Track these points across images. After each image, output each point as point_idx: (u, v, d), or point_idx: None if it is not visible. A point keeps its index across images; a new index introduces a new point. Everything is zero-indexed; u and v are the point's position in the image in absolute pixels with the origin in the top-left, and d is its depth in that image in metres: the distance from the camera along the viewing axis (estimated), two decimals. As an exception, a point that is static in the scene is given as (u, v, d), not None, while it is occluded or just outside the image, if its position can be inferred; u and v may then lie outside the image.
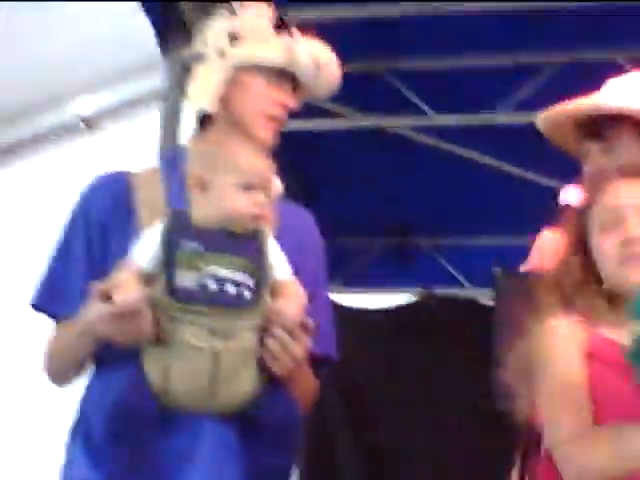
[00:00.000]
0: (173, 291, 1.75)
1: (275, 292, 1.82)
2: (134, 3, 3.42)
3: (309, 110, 3.99)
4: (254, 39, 2.05)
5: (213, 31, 2.10)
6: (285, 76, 2.05)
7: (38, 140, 5.44)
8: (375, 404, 4.76)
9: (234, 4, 2.09)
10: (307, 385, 2.00)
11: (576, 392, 1.72)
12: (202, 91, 2.06)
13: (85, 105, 5.33)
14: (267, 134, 2.02)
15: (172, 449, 1.78)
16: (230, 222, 1.82)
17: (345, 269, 5.03)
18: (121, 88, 5.28)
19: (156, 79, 4.37)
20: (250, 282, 1.78)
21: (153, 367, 1.76)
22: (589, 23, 3.60)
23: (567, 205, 2.05)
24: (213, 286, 1.75)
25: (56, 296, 1.98)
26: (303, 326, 1.81)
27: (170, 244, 1.78)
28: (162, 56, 3.58)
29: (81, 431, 1.90)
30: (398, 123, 3.92)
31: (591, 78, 3.68)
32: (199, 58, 2.10)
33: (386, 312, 4.83)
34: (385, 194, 4.28)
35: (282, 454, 1.90)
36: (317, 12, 3.55)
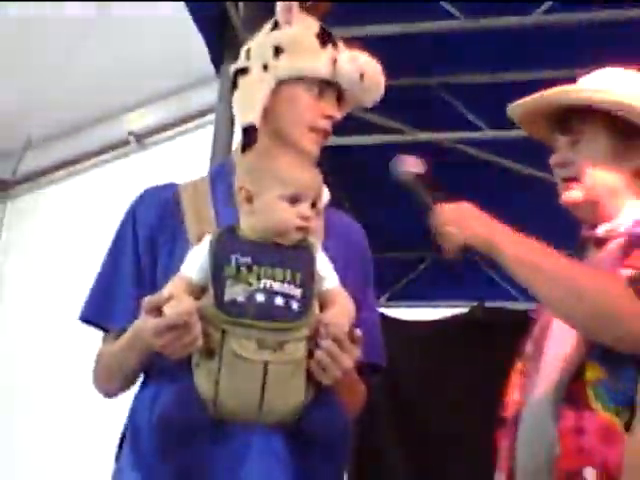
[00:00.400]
0: (222, 304, 1.76)
1: (323, 302, 1.83)
2: (187, 20, 3.44)
3: (359, 126, 4.03)
4: (298, 51, 2.05)
5: (257, 44, 2.10)
6: (330, 87, 2.05)
7: (90, 156, 5.50)
8: (423, 413, 4.75)
9: (279, 18, 2.09)
10: (356, 393, 2.00)
11: None
12: (246, 104, 2.06)
13: (136, 122, 5.38)
14: (313, 147, 2.02)
15: (221, 461, 1.78)
16: (276, 234, 1.83)
17: (396, 283, 5.02)
18: (173, 104, 5.32)
19: (208, 95, 4.40)
20: (298, 293, 1.79)
21: (203, 380, 1.77)
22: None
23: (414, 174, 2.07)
24: (262, 299, 1.76)
25: (105, 309, 1.99)
26: (351, 336, 1.81)
27: (218, 258, 1.79)
28: (215, 72, 3.59)
29: (130, 442, 1.91)
30: (452, 137, 3.93)
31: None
32: (244, 72, 2.09)
33: (435, 323, 4.82)
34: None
35: (331, 466, 1.89)
36: (365, 31, 3.55)
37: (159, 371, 1.88)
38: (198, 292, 1.80)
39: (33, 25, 4.59)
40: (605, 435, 1.90)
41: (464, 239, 1.96)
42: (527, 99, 2.21)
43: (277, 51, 2.05)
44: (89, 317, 2.01)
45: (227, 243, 1.82)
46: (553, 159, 2.16)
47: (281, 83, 2.03)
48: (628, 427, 1.91)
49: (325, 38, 2.08)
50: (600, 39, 3.60)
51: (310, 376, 1.80)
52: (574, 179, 2.12)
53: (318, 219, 1.94)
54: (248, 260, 1.79)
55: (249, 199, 1.86)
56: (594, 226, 2.13)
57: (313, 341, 1.79)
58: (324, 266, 1.86)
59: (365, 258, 2.09)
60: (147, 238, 1.98)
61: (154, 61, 4.84)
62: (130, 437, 1.91)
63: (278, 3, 2.11)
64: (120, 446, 1.95)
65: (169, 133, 5.41)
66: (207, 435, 1.77)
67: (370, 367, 2.02)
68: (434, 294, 4.98)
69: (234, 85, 2.10)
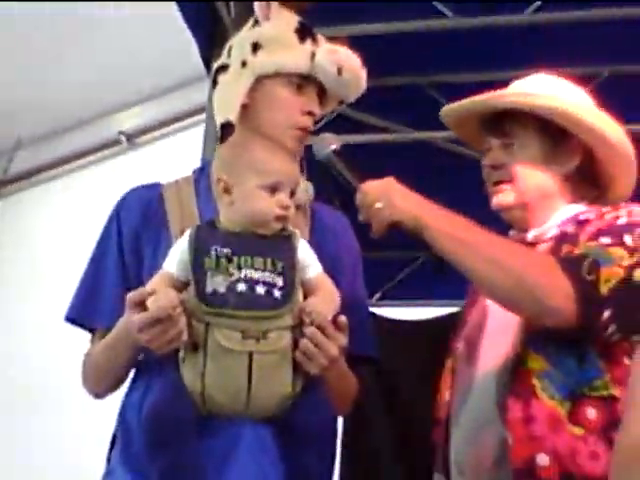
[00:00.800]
0: (204, 296, 1.76)
1: (307, 291, 1.83)
2: (178, 20, 3.44)
3: (354, 124, 4.04)
4: (276, 47, 2.05)
5: (238, 42, 2.10)
6: (310, 82, 2.05)
7: (80, 156, 5.49)
8: (418, 412, 4.75)
9: (258, 15, 2.09)
10: (347, 385, 1.99)
11: None
12: (224, 101, 2.06)
13: (127, 121, 5.38)
14: (293, 143, 2.02)
15: (210, 454, 1.78)
16: (256, 224, 1.83)
17: (387, 283, 5.03)
18: (163, 104, 5.32)
19: (198, 95, 4.40)
20: (280, 282, 1.78)
21: (189, 373, 1.77)
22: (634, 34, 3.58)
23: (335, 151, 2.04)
24: (243, 288, 1.76)
25: (90, 309, 2.00)
26: (337, 324, 1.81)
27: (198, 250, 1.80)
28: (206, 72, 3.59)
29: (120, 442, 1.91)
30: (442, 136, 3.91)
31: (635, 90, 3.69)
32: (223, 69, 2.09)
33: (427, 322, 4.83)
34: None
35: (320, 460, 1.87)
36: (355, 29, 3.55)
37: (147, 370, 1.88)
38: (181, 287, 1.80)
39: (23, 24, 4.58)
40: (552, 423, 1.93)
41: (391, 216, 1.94)
42: (461, 102, 2.23)
43: (255, 47, 2.05)
44: (74, 317, 2.01)
45: (206, 236, 1.82)
46: (485, 161, 2.17)
47: (260, 79, 2.03)
48: (571, 417, 1.93)
49: (304, 33, 2.07)
50: (590, 38, 3.62)
51: (297, 367, 1.79)
52: (506, 182, 2.13)
53: (299, 211, 1.95)
54: (228, 251, 1.79)
55: (227, 190, 1.86)
56: (523, 230, 2.15)
57: (298, 330, 1.79)
58: (306, 254, 1.86)
59: (353, 251, 2.08)
60: (131, 237, 1.98)
61: (145, 60, 4.84)
62: (121, 437, 1.91)
63: (231, 5, 2.11)
64: (111, 447, 1.95)
65: (160, 132, 5.41)
66: (196, 431, 1.77)
67: (361, 359, 2.01)
68: (426, 293, 4.98)
69: (214, 83, 2.11)
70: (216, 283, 1.77)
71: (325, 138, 2.05)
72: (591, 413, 1.94)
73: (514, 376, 1.97)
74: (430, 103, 3.85)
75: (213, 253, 1.79)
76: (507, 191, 2.14)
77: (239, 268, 1.77)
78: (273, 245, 1.82)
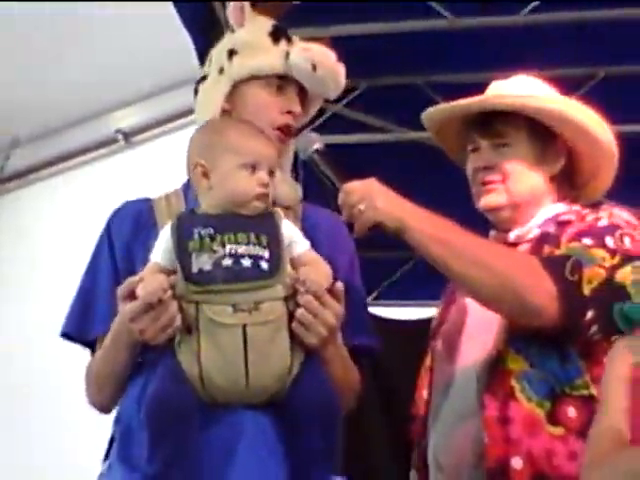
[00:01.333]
0: (191, 277, 1.76)
1: (297, 267, 1.82)
2: (176, 19, 3.44)
3: (350, 124, 4.04)
4: (250, 51, 2.07)
5: (216, 50, 2.13)
6: (288, 82, 2.06)
7: (77, 154, 5.49)
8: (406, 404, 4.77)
9: (232, 22, 2.11)
10: (348, 372, 1.96)
11: None
12: (204, 108, 2.08)
13: (124, 119, 5.38)
14: (276, 142, 2.02)
15: (211, 444, 1.77)
16: (237, 204, 1.83)
17: (383, 282, 5.03)
18: (160, 103, 5.32)
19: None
20: (266, 254, 1.78)
21: (186, 356, 1.76)
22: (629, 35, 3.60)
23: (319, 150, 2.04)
24: (229, 263, 1.76)
25: (85, 323, 2.00)
26: (333, 292, 1.80)
27: (181, 235, 1.79)
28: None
29: (119, 436, 1.90)
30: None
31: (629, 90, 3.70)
32: (203, 79, 2.12)
33: (423, 322, 4.83)
34: (422, 206, 4.30)
35: (323, 444, 1.80)
36: (352, 29, 3.56)
37: (145, 367, 1.87)
38: (168, 275, 1.79)
39: (20, 23, 4.58)
40: (529, 426, 1.95)
41: (373, 217, 1.94)
42: (447, 105, 2.25)
43: (231, 54, 2.08)
44: (69, 332, 2.01)
45: (188, 221, 1.82)
46: (476, 162, 2.18)
47: (238, 85, 2.05)
48: (550, 418, 1.94)
49: (278, 35, 2.09)
50: (586, 39, 3.63)
51: (295, 340, 1.78)
52: (497, 182, 2.15)
53: (289, 212, 1.95)
54: (210, 230, 1.79)
55: (206, 174, 1.86)
56: (506, 230, 2.17)
57: (292, 301, 1.78)
58: (292, 231, 1.85)
59: (348, 249, 2.07)
60: (123, 250, 1.99)
61: (142, 59, 4.84)
62: (119, 435, 1.90)
63: (229, 6, 2.13)
64: (109, 447, 1.95)
65: (157, 131, 5.41)
66: (196, 417, 1.75)
67: (363, 350, 2.00)
68: (421, 293, 4.98)
69: (196, 93, 2.13)
70: (201, 262, 1.76)
71: (308, 137, 2.06)
72: (571, 412, 1.96)
73: (493, 375, 1.99)
74: (427, 103, 3.87)
75: (196, 235, 1.78)
76: (499, 191, 2.15)
77: (223, 245, 1.77)
78: (256, 222, 1.82)
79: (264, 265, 1.77)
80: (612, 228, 2.02)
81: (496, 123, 2.16)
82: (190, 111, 5.15)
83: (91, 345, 2.00)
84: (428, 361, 2.22)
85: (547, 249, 2.03)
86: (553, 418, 1.96)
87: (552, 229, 2.09)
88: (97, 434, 2.18)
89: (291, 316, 1.78)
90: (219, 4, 3.47)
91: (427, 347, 2.28)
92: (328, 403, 1.80)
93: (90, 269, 2.04)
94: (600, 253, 1.97)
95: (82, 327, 2.00)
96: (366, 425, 4.77)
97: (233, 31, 2.13)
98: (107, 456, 1.95)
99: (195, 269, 1.76)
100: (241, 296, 1.75)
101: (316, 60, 2.05)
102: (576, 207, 2.17)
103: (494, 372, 1.99)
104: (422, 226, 1.95)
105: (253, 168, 1.84)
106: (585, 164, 2.20)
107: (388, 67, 3.88)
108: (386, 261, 4.86)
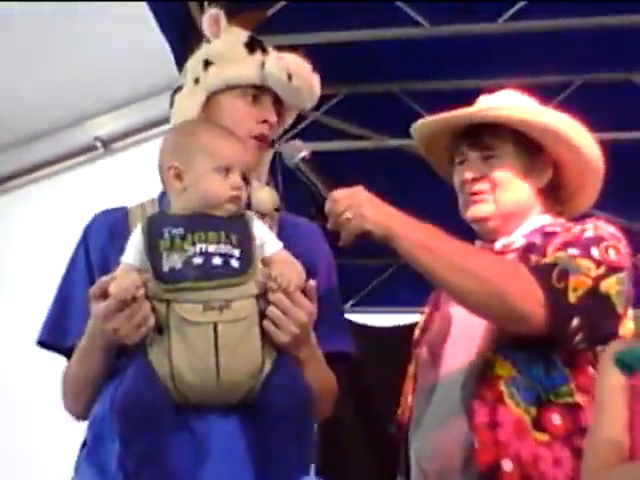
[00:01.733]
0: (161, 276, 1.76)
1: (269, 262, 1.82)
2: (154, 26, 3.44)
3: (329, 132, 4.05)
4: (225, 61, 2.08)
5: (192, 61, 2.14)
6: (264, 92, 2.07)
7: (56, 162, 5.48)
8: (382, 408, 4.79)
9: (207, 33, 2.12)
10: (323, 377, 1.95)
11: None
12: (180, 118, 2.08)
13: (103, 127, 5.37)
14: (252, 153, 2.03)
15: (183, 444, 1.76)
16: (210, 206, 1.83)
17: (362, 289, 5.04)
18: (140, 110, 5.31)
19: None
20: (236, 252, 1.78)
21: (157, 355, 1.76)
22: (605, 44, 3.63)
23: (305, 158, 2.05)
24: (199, 261, 1.76)
25: (61, 331, 1.99)
26: (305, 291, 1.80)
27: (152, 235, 1.79)
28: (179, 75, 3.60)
29: (89, 443, 1.89)
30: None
31: (604, 99, 3.72)
32: (179, 89, 2.13)
33: (402, 328, 4.85)
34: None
35: (296, 443, 1.79)
36: (330, 37, 3.57)
37: (118, 370, 1.86)
38: (139, 270, 1.78)
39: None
40: (518, 430, 1.96)
41: (360, 225, 1.95)
42: (436, 118, 2.25)
43: (206, 64, 2.09)
44: (45, 340, 2.01)
45: (158, 221, 1.83)
46: (465, 173, 2.19)
47: (214, 95, 2.07)
48: (535, 424, 1.96)
49: (253, 45, 2.11)
50: (562, 48, 3.65)
51: (266, 338, 1.78)
52: (486, 193, 2.17)
53: (266, 219, 1.96)
54: (181, 230, 1.79)
55: (179, 176, 1.86)
56: (491, 241, 2.19)
57: (263, 300, 1.78)
58: (263, 232, 1.85)
59: (324, 255, 2.08)
60: (99, 258, 1.98)
61: (121, 66, 4.83)
62: (89, 440, 1.90)
63: (204, 17, 2.14)
64: (80, 455, 1.94)
65: (136, 138, 5.40)
66: (168, 421, 1.75)
67: (338, 356, 2.00)
68: (400, 300, 5.00)
69: (172, 104, 2.14)
70: (172, 261, 1.76)
71: (295, 145, 2.06)
72: (556, 419, 1.98)
73: (481, 381, 2.00)
74: (404, 110, 3.89)
75: (166, 235, 1.78)
76: (487, 201, 2.17)
77: (193, 244, 1.77)
78: (227, 222, 1.82)
79: (235, 263, 1.77)
80: (597, 240, 2.04)
81: (484, 135, 2.18)
82: (169, 119, 5.17)
83: (67, 353, 2.00)
84: (412, 369, 2.23)
85: (534, 258, 2.05)
86: (538, 424, 1.97)
87: (538, 240, 2.10)
88: (68, 439, 2.17)
89: (262, 314, 1.78)
90: (195, 4, 3.47)
91: (407, 354, 2.29)
92: (300, 401, 1.79)
93: (66, 278, 2.04)
94: (586, 263, 1.99)
95: (58, 335, 1.99)
96: (344, 429, 4.78)
97: (209, 41, 2.14)
98: (78, 463, 1.94)
99: (166, 268, 1.76)
100: (212, 294, 1.75)
101: (291, 70, 2.06)
102: (561, 220, 2.20)
103: (483, 378, 2.00)
104: (409, 234, 1.96)
105: (226, 171, 1.85)
106: (571, 178, 2.22)
107: (367, 75, 3.90)
108: (366, 268, 4.88)
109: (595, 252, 2.01)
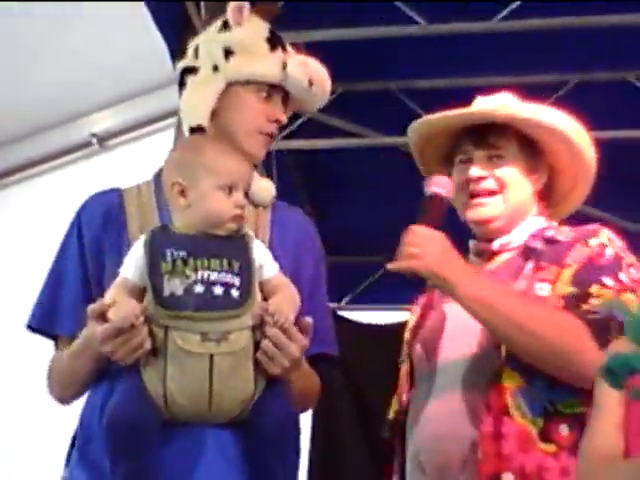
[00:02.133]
0: (161, 300, 1.76)
1: (266, 291, 1.83)
2: (150, 24, 3.44)
3: (318, 128, 4.05)
4: (248, 54, 2.07)
5: (206, 43, 2.11)
6: (277, 91, 2.07)
7: (52, 158, 5.47)
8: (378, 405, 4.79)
9: (230, 19, 2.10)
10: (308, 384, 1.99)
11: None
12: (195, 105, 2.07)
13: (99, 123, 5.36)
14: (259, 149, 2.05)
15: (171, 460, 1.78)
16: (213, 225, 1.84)
17: (357, 286, 5.04)
18: (136, 107, 5.31)
19: (171, 99, 4.39)
20: (237, 282, 1.79)
21: (151, 379, 1.77)
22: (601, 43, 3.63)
23: (436, 194, 2.10)
24: (200, 290, 1.76)
25: (51, 316, 2.00)
26: (300, 325, 1.82)
27: (154, 255, 1.80)
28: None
29: (80, 446, 1.90)
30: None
31: (600, 98, 3.73)
32: (192, 71, 2.10)
33: (396, 326, 4.85)
34: (396, 212, 4.32)
35: (283, 463, 1.86)
36: (327, 34, 3.58)
37: (110, 375, 1.87)
38: (138, 292, 1.80)
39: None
40: (522, 442, 1.97)
41: (417, 267, 2.01)
42: (438, 116, 2.24)
43: (227, 53, 2.07)
44: (35, 324, 2.01)
45: (161, 239, 1.82)
46: (470, 172, 2.18)
47: (230, 85, 2.05)
48: (542, 435, 1.98)
49: (275, 42, 2.09)
50: (559, 46, 3.65)
51: (259, 367, 1.79)
52: (493, 193, 2.17)
53: (260, 209, 1.97)
54: (183, 253, 1.79)
55: (183, 193, 1.86)
56: (488, 241, 2.20)
57: (259, 331, 1.79)
58: (262, 254, 1.86)
59: (313, 248, 2.09)
60: (93, 243, 1.98)
61: (117, 63, 4.83)
62: (80, 441, 1.91)
63: (229, 4, 2.12)
64: (70, 450, 1.95)
65: (132, 135, 5.40)
66: (158, 436, 1.77)
67: (323, 357, 2.02)
68: (395, 297, 5.00)
69: (182, 84, 2.11)
70: (173, 286, 1.77)
71: (437, 180, 2.10)
72: (564, 429, 1.99)
73: (488, 390, 2.01)
74: (402, 109, 3.89)
75: (169, 256, 1.79)
76: (495, 202, 2.17)
77: (195, 270, 1.78)
78: (228, 246, 1.83)
79: (235, 293, 1.78)
80: (618, 260, 2.07)
81: (489, 135, 2.18)
82: (165, 115, 5.16)
83: (56, 339, 2.01)
84: (406, 367, 2.23)
85: (534, 264, 2.07)
86: (545, 436, 1.98)
87: (539, 245, 2.12)
88: (54, 439, 2.17)
89: (257, 345, 1.79)
90: (191, 3, 3.46)
91: (399, 351, 2.29)
92: (288, 424, 1.85)
93: (58, 263, 2.03)
94: (629, 297, 2.01)
95: (48, 321, 2.00)
96: (339, 426, 4.78)
97: (226, 27, 2.10)
98: (69, 459, 1.95)
99: (167, 293, 1.77)
100: (211, 325, 1.76)
101: (313, 77, 2.08)
102: (554, 223, 2.22)
103: (490, 388, 2.01)
104: (466, 290, 2.00)
105: (230, 189, 1.85)
106: (566, 181, 2.24)
107: (363, 73, 3.90)
108: (359, 266, 4.87)
109: (623, 277, 2.04)
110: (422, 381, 2.15)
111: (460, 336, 2.09)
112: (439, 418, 2.07)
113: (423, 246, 2.00)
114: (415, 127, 2.30)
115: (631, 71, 3.86)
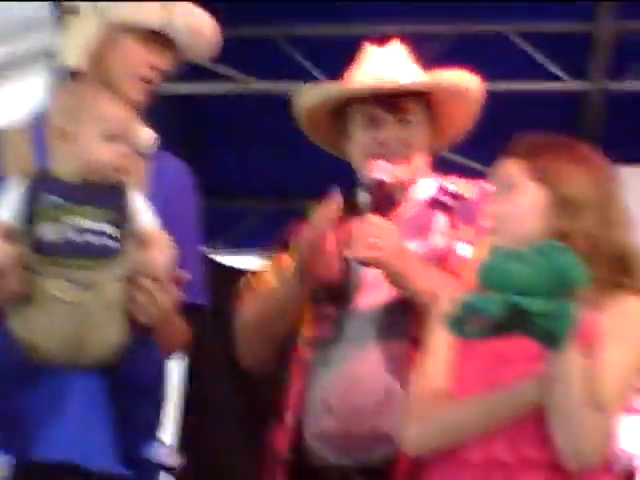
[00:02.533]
0: (36, 245, 1.75)
1: (142, 243, 1.82)
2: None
3: (200, 72, 4.00)
4: None
5: None
6: (160, 38, 2.05)
7: None
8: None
9: None
10: (176, 333, 2.01)
11: None
12: (73, 46, 2.05)
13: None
14: (138, 95, 2.03)
15: (39, 403, 1.78)
16: (92, 173, 1.82)
17: (232, 230, 5.04)
18: (3, 47, 5.15)
19: (40, 39, 4.27)
20: (112, 231, 1.78)
21: (20, 324, 1.76)
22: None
23: (381, 181, 2.13)
24: (75, 237, 1.76)
25: None
26: (173, 277, 1.83)
27: (30, 199, 1.78)
28: (54, 11, 3.49)
29: None
30: (291, 88, 3.94)
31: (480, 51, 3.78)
32: (73, 11, 2.08)
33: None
34: (273, 157, 4.33)
35: (149, 407, 1.90)
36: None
37: None
38: (13, 235, 1.77)
39: None
40: None
41: (371, 259, 2.04)
42: (363, 82, 2.23)
43: None
44: None
45: (38, 184, 1.80)
46: (381, 134, 2.19)
47: (111, 29, 2.03)
48: None
49: None
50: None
51: (129, 317, 1.80)
52: (402, 158, 2.20)
53: (139, 157, 1.95)
54: (59, 200, 1.78)
55: (64, 138, 1.84)
56: (388, 196, 2.20)
57: (131, 280, 1.79)
58: (139, 204, 1.85)
59: (190, 200, 2.10)
60: None
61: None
62: None
63: None
64: None
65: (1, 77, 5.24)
66: (25, 380, 1.76)
67: (193, 306, 2.03)
68: (268, 242, 5.02)
69: (62, 23, 2.11)
70: (46, 231, 1.75)
71: (380, 166, 2.11)
72: None
73: (411, 345, 2.04)
74: (281, 55, 3.88)
75: (44, 202, 1.77)
76: (403, 166, 2.19)
77: (71, 217, 1.76)
78: (106, 195, 1.82)
79: (108, 243, 1.77)
80: None
81: (400, 98, 2.20)
82: (34, 56, 5.00)
83: None
84: (307, 353, 2.22)
85: (459, 225, 2.13)
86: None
87: (448, 200, 2.19)
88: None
89: (128, 294, 1.79)
90: None
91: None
92: (154, 372, 1.88)
93: None
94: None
95: None
96: (214, 376, 4.80)
97: None
98: None
99: (39, 238, 1.75)
100: (82, 273, 1.75)
101: (197, 25, 2.07)
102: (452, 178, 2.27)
103: (411, 341, 2.05)
104: (422, 285, 2.03)
105: (113, 138, 1.83)
106: (453, 125, 2.29)
107: (248, 19, 3.86)
108: (230, 209, 4.87)
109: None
110: (329, 325, 2.16)
111: (377, 285, 2.11)
112: (352, 362, 2.09)
113: (382, 237, 2.03)
114: (315, 92, 2.28)
115: (505, 24, 3.94)
